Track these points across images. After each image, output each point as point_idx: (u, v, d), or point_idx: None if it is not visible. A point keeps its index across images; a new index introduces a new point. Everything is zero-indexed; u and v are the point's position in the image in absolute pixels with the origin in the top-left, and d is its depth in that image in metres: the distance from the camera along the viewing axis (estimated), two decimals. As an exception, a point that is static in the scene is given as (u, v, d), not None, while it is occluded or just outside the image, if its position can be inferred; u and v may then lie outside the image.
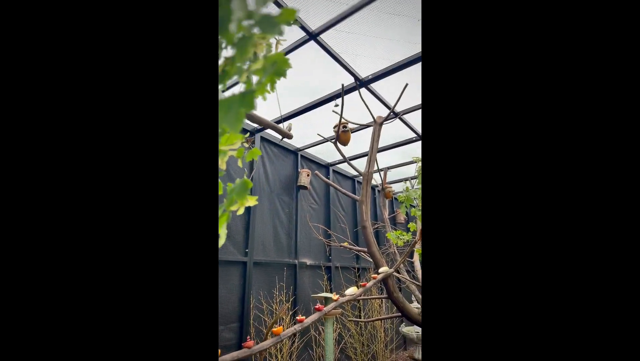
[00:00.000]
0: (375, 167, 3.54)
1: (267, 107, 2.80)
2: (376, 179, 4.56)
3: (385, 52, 2.21)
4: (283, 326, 2.80)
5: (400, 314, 2.40)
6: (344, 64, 2.22)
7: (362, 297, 2.07)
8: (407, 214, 5.19)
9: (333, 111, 2.60)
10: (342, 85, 2.17)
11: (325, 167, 3.96)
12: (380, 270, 2.20)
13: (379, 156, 3.74)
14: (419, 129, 3.23)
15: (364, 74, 2.35)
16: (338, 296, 1.78)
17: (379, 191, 4.68)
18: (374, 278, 2.11)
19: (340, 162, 3.95)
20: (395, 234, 2.27)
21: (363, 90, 2.51)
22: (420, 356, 3.87)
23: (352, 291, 1.86)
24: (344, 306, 3.33)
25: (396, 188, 4.65)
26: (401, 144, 3.51)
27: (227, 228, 1.33)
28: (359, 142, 3.64)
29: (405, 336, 4.10)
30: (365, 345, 3.39)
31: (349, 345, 3.29)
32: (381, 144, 3.60)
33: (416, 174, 1.92)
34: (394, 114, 2.78)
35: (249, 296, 2.58)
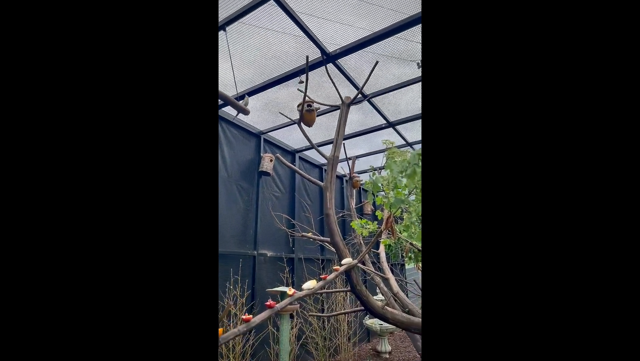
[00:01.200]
0: (344, 155, 3.38)
1: (222, 85, 2.51)
2: (344, 168, 4.42)
3: (355, 24, 2.01)
4: (236, 324, 2.58)
5: (363, 308, 2.27)
6: (310, 33, 2.00)
7: (321, 291, 1.90)
8: (373, 204, 5.12)
9: (298, 89, 2.38)
10: (307, 57, 1.95)
11: (291, 153, 3.73)
12: (343, 262, 2.04)
13: (346, 144, 3.58)
14: (389, 115, 3.10)
15: (331, 47, 2.14)
16: (294, 290, 1.59)
17: (346, 180, 4.54)
18: (336, 270, 1.94)
19: (307, 148, 3.74)
20: (360, 223, 2.12)
21: (330, 67, 2.30)
22: (382, 348, 3.83)
23: (310, 284, 1.67)
24: (305, 300, 3.16)
25: (364, 178, 4.54)
26: (370, 131, 3.36)
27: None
28: (328, 128, 3.45)
29: (369, 329, 4.04)
30: (328, 339, 3.26)
31: (311, 339, 3.13)
32: (349, 132, 3.43)
33: (385, 159, 1.76)
34: (363, 96, 2.61)
35: (199, 290, 2.31)
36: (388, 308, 2.36)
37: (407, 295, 6.05)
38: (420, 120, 3.10)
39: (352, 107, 3.21)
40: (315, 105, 2.35)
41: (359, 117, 3.37)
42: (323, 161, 4.41)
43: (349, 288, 2.26)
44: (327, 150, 3.72)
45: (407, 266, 6.45)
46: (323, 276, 1.84)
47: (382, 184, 1.78)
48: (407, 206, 1.83)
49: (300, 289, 1.69)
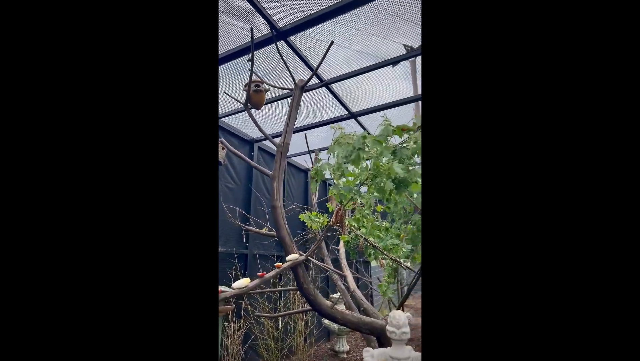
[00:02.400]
0: (305, 148, 3.19)
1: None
2: (307, 162, 4.24)
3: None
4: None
5: (311, 307, 2.11)
6: (255, 2, 1.79)
7: (257, 290, 1.71)
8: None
9: (249, 69, 2.17)
10: (252, 29, 1.75)
11: (249, 143, 3.50)
12: (288, 258, 1.87)
13: (308, 136, 3.40)
14: (350, 105, 2.95)
15: (282, 22, 1.95)
16: (220, 289, 1.39)
17: (310, 174, 4.36)
18: (277, 268, 1.76)
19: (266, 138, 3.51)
20: (310, 215, 1.95)
21: (282, 45, 2.11)
22: (339, 348, 3.70)
23: (241, 283, 1.48)
24: (257, 298, 2.96)
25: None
26: (331, 122, 3.20)
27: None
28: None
29: (327, 328, 3.90)
30: (281, 340, 3.08)
31: (262, 341, 2.93)
32: (309, 123, 3.26)
33: (332, 144, 1.59)
34: (319, 80, 2.44)
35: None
36: (338, 307, 2.22)
37: (372, 294, 5.98)
38: (383, 111, 2.98)
39: (312, 98, 3.04)
40: (264, 86, 2.15)
41: (321, 107, 3.21)
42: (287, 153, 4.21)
43: (296, 286, 2.09)
44: (297, 140, 3.52)
45: (372, 264, 6.39)
46: (260, 273, 1.65)
47: (329, 172, 1.62)
48: (357, 196, 1.68)
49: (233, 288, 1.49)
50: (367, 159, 1.63)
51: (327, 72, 2.51)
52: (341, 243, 3.10)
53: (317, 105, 3.25)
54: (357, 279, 5.08)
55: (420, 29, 2.51)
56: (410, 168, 1.64)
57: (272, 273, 1.68)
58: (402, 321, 1.13)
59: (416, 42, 2.62)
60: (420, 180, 1.64)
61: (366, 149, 1.33)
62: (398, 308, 1.76)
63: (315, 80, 2.51)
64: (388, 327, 1.16)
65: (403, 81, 3.27)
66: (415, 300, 7.57)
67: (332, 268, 2.76)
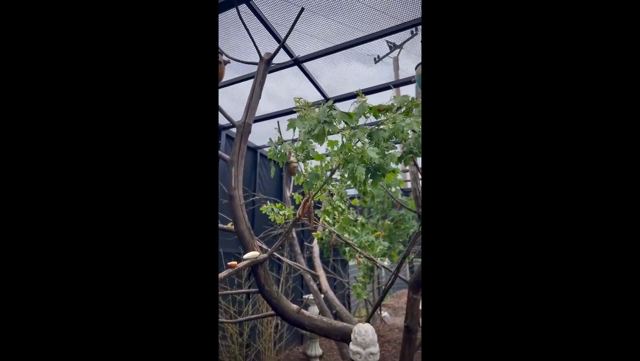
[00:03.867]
0: (277, 137, 2.93)
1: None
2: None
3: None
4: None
5: (274, 312, 1.86)
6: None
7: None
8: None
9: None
10: (205, -16, 1.47)
11: (218, 130, 3.19)
12: (246, 256, 1.61)
13: (281, 123, 3.14)
14: (326, 89, 2.71)
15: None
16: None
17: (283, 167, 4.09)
18: (232, 267, 1.50)
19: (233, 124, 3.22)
20: (272, 207, 1.69)
21: (245, 11, 1.84)
22: (312, 352, 3.47)
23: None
24: (220, 301, 2.67)
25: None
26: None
27: None
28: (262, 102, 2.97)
29: (299, 331, 3.66)
30: (246, 346, 2.81)
31: (224, 348, 2.66)
32: (280, 109, 3.00)
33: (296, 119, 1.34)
34: (290, 55, 2.18)
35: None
36: (309, 310, 1.98)
37: (349, 295, 5.76)
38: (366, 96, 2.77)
39: (288, 81, 2.78)
40: (224, 57, 1.87)
41: (292, 90, 2.96)
42: (259, 142, 3.93)
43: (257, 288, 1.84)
44: (260, 125, 3.24)
45: (350, 263, 6.20)
46: (207, 274, 1.39)
47: (293, 152, 1.37)
48: (327, 185, 1.44)
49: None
50: (335, 146, 1.40)
51: (305, 66, 2.27)
52: (315, 241, 2.86)
53: (299, 93, 3.00)
54: (333, 279, 4.87)
55: (403, 29, 2.32)
56: (386, 153, 1.42)
57: (225, 273, 1.42)
58: (369, 338, 0.90)
59: (399, 39, 2.42)
60: (396, 168, 1.43)
61: (334, 123, 1.09)
62: (370, 315, 1.54)
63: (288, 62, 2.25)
64: (351, 346, 0.94)
65: (388, 80, 3.08)
66: (394, 299, 7.48)
67: (303, 267, 2.52)
